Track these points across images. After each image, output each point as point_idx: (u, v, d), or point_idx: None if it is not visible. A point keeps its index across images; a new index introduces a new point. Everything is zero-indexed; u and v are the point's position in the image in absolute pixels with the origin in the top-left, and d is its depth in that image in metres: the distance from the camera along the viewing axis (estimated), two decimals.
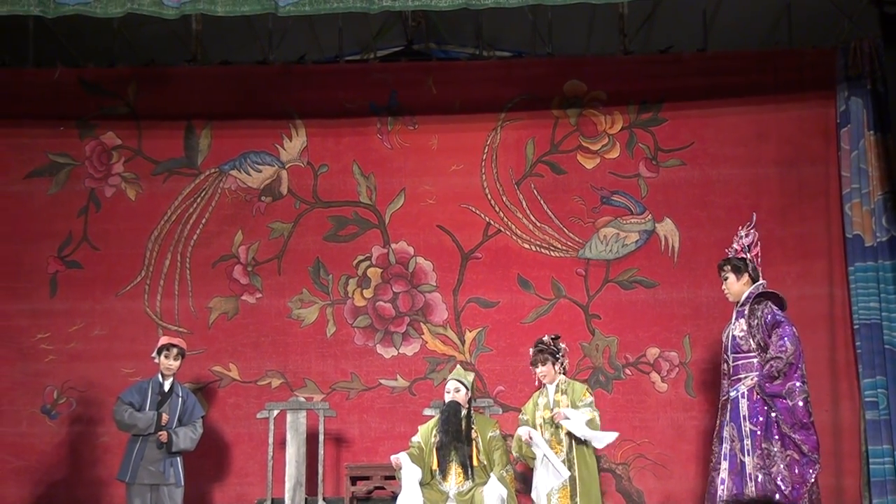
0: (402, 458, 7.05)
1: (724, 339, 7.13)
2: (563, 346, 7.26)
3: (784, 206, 8.37)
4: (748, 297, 6.95)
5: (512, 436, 7.33)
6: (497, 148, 8.59)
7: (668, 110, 8.53)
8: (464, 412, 7.16)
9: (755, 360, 6.84)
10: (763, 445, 6.67)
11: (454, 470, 7.09)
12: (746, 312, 6.91)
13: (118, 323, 8.35)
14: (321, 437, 7.88)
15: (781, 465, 6.59)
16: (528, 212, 8.52)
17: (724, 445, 6.90)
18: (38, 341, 8.30)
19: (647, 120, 8.55)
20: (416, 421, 7.84)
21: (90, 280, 8.41)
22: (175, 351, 7.42)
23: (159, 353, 7.41)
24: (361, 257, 8.50)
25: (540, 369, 7.21)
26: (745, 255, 7.05)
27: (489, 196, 8.54)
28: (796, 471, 6.51)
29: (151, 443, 7.26)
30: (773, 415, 6.69)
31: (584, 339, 8.32)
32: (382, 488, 7.84)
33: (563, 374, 7.25)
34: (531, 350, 7.31)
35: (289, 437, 7.88)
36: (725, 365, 7.09)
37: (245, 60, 8.88)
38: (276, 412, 7.93)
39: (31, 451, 8.21)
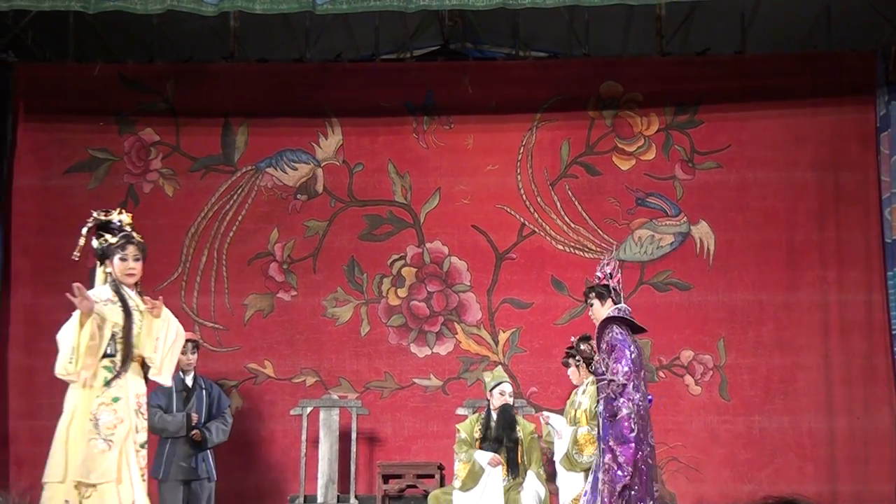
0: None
1: None
2: (586, 346, 7.18)
3: (821, 210, 8.34)
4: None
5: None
6: (532, 148, 8.59)
7: (704, 112, 8.50)
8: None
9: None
10: (602, 460, 6.78)
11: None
12: (596, 338, 6.96)
13: None
14: (354, 435, 7.92)
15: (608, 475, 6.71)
16: (562, 213, 8.51)
17: None
18: None
19: (683, 122, 8.52)
20: (449, 420, 7.88)
21: None
22: (190, 346, 7.39)
23: None
24: (396, 256, 8.52)
25: (569, 372, 7.28)
26: (607, 283, 7.07)
27: (524, 197, 8.54)
28: (608, 478, 6.62)
29: (183, 439, 7.31)
30: (612, 432, 6.77)
31: None
32: (414, 486, 7.89)
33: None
34: None
35: (322, 434, 7.92)
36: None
37: (282, 58, 8.89)
38: (309, 409, 7.97)
39: None
